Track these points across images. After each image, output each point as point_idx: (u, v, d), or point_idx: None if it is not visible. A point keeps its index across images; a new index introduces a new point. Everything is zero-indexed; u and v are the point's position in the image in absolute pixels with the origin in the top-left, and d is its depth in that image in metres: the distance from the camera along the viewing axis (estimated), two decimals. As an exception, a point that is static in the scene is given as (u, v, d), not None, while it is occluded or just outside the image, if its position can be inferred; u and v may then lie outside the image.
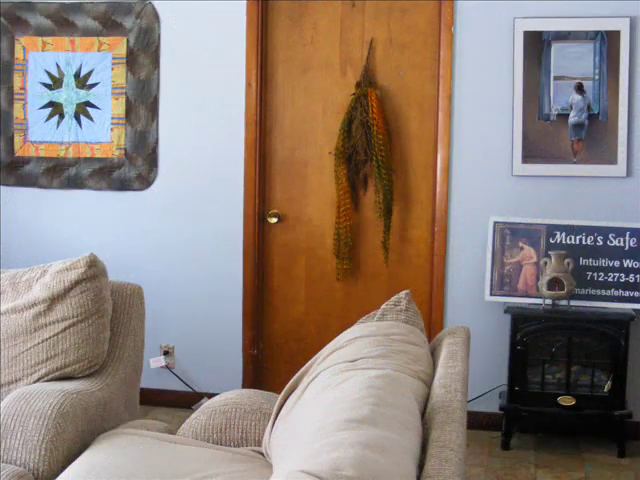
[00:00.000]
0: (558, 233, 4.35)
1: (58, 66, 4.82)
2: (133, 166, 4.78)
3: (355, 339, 2.36)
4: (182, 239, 4.80)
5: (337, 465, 1.48)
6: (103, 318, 3.00)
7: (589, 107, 4.33)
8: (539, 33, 4.34)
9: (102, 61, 4.76)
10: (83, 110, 4.81)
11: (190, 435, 2.72)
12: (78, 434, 2.67)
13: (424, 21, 4.52)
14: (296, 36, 4.65)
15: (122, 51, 4.74)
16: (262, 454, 2.52)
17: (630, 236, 4.30)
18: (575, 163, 4.38)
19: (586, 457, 4.17)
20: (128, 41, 4.73)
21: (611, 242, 4.31)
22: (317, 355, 2.43)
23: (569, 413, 4.20)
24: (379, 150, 4.44)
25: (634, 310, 4.24)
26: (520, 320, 4.20)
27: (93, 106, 4.80)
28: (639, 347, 4.33)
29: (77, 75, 4.80)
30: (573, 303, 4.26)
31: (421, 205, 4.60)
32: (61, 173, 4.86)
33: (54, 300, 2.95)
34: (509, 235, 4.38)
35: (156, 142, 4.76)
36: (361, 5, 4.58)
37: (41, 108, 4.86)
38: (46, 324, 2.94)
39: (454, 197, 4.51)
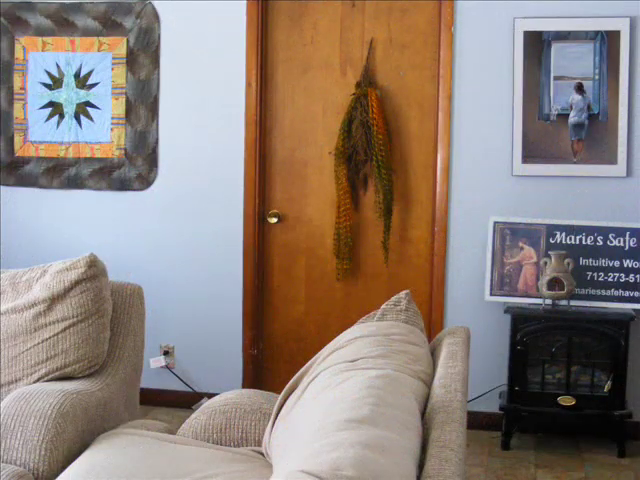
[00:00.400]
0: (558, 233, 4.35)
1: (58, 66, 4.82)
2: (133, 166, 4.78)
3: (355, 339, 2.36)
4: (182, 239, 4.80)
5: (337, 465, 1.48)
6: (103, 318, 3.00)
7: (589, 107, 4.33)
8: (539, 33, 4.34)
9: (102, 61, 4.76)
10: (83, 110, 4.81)
11: (190, 435, 2.72)
12: (78, 434, 2.67)
13: (424, 21, 4.52)
14: (296, 36, 4.65)
15: (122, 51, 4.74)
16: (262, 454, 2.52)
17: (630, 236, 4.30)
18: (575, 163, 4.38)
19: (586, 457, 4.17)
20: (128, 41, 4.73)
21: (611, 242, 4.31)
22: (317, 355, 2.43)
23: (569, 413, 4.19)
24: (379, 150, 4.44)
25: (634, 310, 4.23)
26: (520, 320, 4.20)
27: (93, 106, 4.80)
28: (639, 347, 4.33)
29: (77, 75, 4.80)
30: (573, 303, 4.26)
31: (421, 205, 4.60)
32: (61, 173, 4.86)
33: (54, 300, 2.95)
34: (509, 235, 4.38)
35: (156, 142, 4.76)
36: (361, 5, 4.58)
37: (41, 108, 4.86)
38: (46, 324, 2.94)
39: (454, 197, 4.51)
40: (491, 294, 4.38)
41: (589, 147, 4.35)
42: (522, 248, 4.38)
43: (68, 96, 4.82)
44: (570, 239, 4.34)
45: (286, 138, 4.71)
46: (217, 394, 2.94)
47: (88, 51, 4.77)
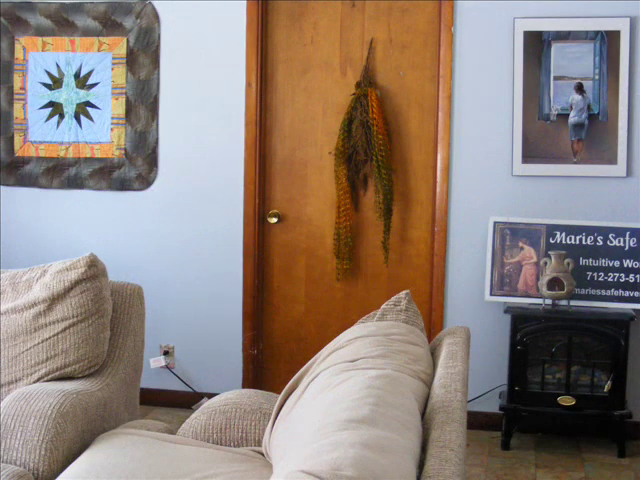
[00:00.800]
0: (558, 233, 4.35)
1: (58, 66, 4.82)
2: (133, 166, 4.78)
3: (355, 339, 2.36)
4: (182, 239, 4.80)
5: (337, 465, 1.48)
6: (103, 318, 3.00)
7: (589, 107, 4.33)
8: (539, 33, 4.34)
9: (102, 61, 4.76)
10: (83, 110, 4.81)
11: (190, 435, 2.72)
12: (78, 434, 2.68)
13: (424, 21, 4.52)
14: (296, 36, 4.65)
15: (122, 51, 4.74)
16: (262, 454, 2.52)
17: (630, 236, 4.30)
18: (575, 163, 4.38)
19: (586, 457, 4.17)
20: (128, 41, 4.73)
21: (611, 242, 4.31)
22: (317, 355, 2.43)
23: (569, 413, 4.20)
24: (379, 150, 4.44)
25: (634, 310, 4.23)
26: (520, 320, 4.20)
27: (93, 106, 4.80)
28: (639, 347, 4.33)
29: (77, 75, 4.80)
30: (573, 303, 4.26)
31: (421, 205, 4.60)
32: (61, 173, 4.86)
33: (54, 300, 2.95)
34: (509, 235, 4.38)
35: (156, 142, 4.76)
36: (361, 5, 4.58)
37: (41, 108, 4.86)
38: (46, 324, 2.94)
39: (454, 197, 4.51)
40: (491, 294, 4.38)
41: (589, 147, 4.35)
42: (522, 248, 4.38)
43: (68, 96, 4.82)
44: (570, 239, 4.34)
45: (286, 138, 4.71)
46: (217, 394, 2.94)
47: (88, 51, 4.77)
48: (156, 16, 4.70)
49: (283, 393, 2.42)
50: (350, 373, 2.09)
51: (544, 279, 4.20)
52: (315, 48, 4.64)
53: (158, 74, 4.74)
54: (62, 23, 4.79)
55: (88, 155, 4.82)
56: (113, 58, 4.75)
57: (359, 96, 4.51)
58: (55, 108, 4.84)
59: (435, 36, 4.50)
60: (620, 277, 4.29)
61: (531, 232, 4.37)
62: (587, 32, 4.31)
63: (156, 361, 4.80)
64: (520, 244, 4.37)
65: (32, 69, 4.84)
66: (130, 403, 3.12)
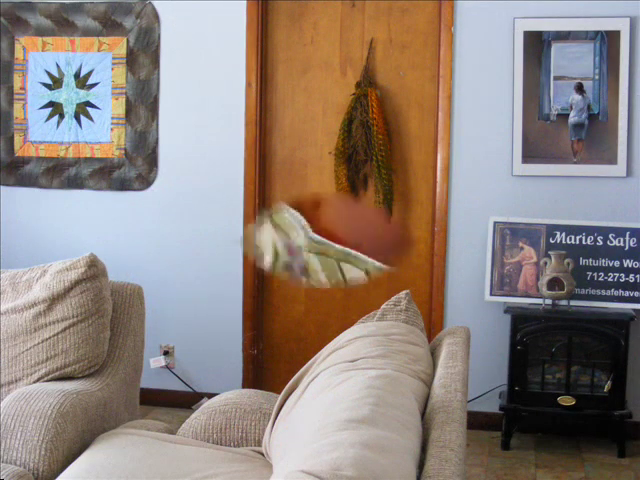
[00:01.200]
0: (558, 233, 4.35)
1: (58, 66, 4.82)
2: (133, 166, 4.78)
3: (355, 339, 2.36)
4: (182, 239, 4.80)
5: (337, 465, 1.48)
6: (103, 318, 3.00)
7: (589, 107, 4.33)
8: (539, 33, 4.34)
9: (102, 61, 4.76)
10: (83, 110, 4.81)
11: (190, 435, 2.72)
12: (78, 434, 2.68)
13: (424, 21, 4.52)
14: (296, 36, 4.65)
15: (122, 51, 4.74)
16: (262, 454, 2.52)
17: (630, 236, 4.30)
18: (575, 163, 4.38)
19: (586, 457, 4.17)
20: (128, 41, 4.73)
21: (611, 242, 4.31)
22: (317, 355, 2.43)
23: (569, 413, 4.20)
24: (379, 150, 4.44)
25: (634, 310, 4.23)
26: (520, 320, 4.20)
27: (93, 106, 4.80)
28: (639, 347, 4.33)
29: (77, 75, 4.80)
30: (573, 303, 4.26)
31: (421, 205, 4.60)
32: (61, 173, 4.86)
33: (54, 300, 2.95)
34: (509, 235, 4.38)
35: (156, 142, 4.76)
36: (361, 5, 4.58)
37: (41, 108, 4.86)
38: (46, 324, 2.94)
39: (454, 197, 4.51)
40: (491, 294, 4.38)
41: (589, 147, 4.35)
42: (522, 248, 4.38)
43: (68, 96, 4.82)
44: (570, 239, 4.34)
45: (286, 138, 4.71)
46: (217, 394, 2.93)
47: (88, 51, 4.77)
48: (156, 16, 4.70)
49: (283, 393, 2.42)
50: (350, 373, 2.09)
51: (544, 279, 4.20)
52: (315, 48, 4.64)
53: (158, 74, 4.74)
54: (62, 23, 4.79)
55: (88, 155, 4.82)
56: (113, 58, 4.75)
57: (359, 96, 4.51)
58: (55, 108, 4.84)
59: (435, 36, 4.50)
60: (620, 277, 4.29)
61: (531, 232, 4.37)
62: (587, 32, 4.31)
63: (156, 361, 4.80)
64: (520, 244, 4.37)
65: (32, 69, 4.84)
66: (130, 403, 3.12)
